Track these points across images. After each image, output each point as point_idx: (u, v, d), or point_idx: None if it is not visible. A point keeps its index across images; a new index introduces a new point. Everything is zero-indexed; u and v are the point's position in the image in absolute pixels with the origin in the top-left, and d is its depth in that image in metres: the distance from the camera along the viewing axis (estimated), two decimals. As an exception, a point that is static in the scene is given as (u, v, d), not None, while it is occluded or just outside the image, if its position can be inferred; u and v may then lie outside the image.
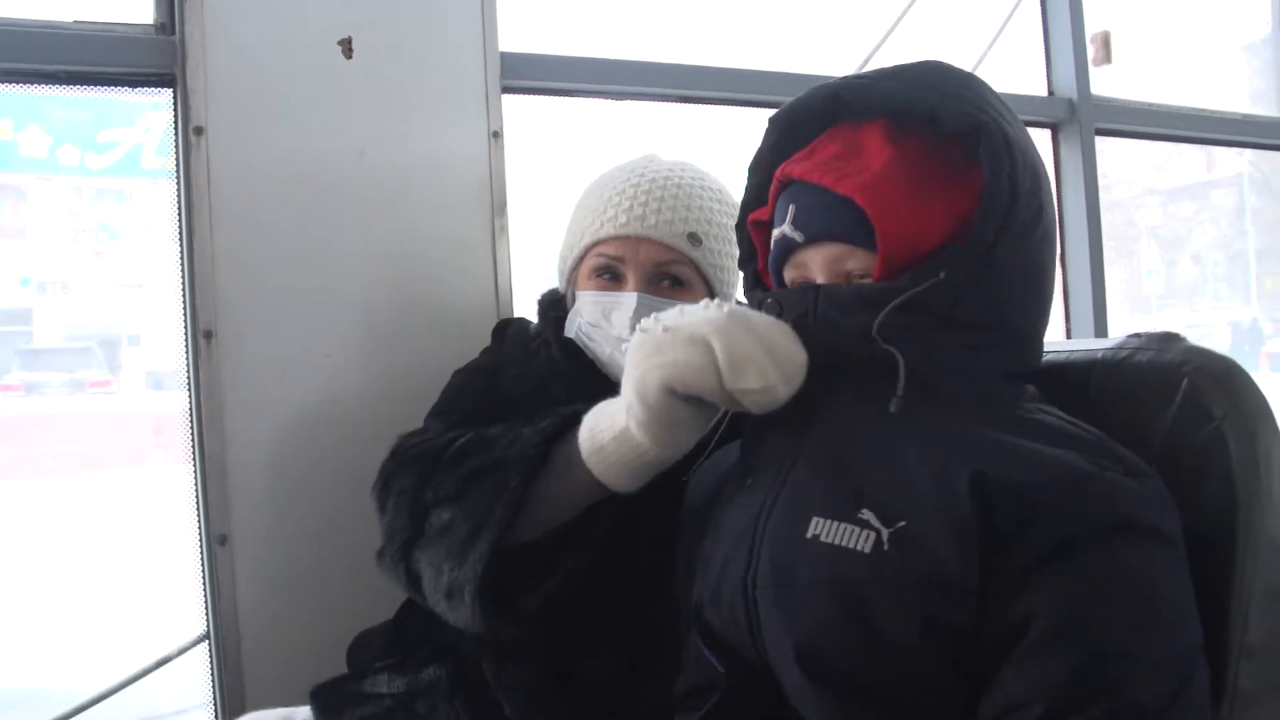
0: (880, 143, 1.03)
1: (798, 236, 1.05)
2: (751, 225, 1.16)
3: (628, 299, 1.37)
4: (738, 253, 1.47)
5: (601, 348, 1.40)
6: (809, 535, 0.96)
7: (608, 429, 1.13)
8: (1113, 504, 0.90)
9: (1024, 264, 1.02)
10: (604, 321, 1.38)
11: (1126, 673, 0.84)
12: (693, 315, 1.03)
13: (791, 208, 1.06)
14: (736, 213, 1.47)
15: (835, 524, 0.95)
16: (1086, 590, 0.87)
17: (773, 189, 1.11)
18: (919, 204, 1.00)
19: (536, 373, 1.45)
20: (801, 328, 1.02)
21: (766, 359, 0.99)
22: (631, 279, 1.39)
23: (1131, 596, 0.87)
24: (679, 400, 1.04)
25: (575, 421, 1.20)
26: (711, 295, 1.42)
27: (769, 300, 1.06)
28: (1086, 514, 0.89)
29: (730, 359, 0.99)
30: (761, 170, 1.14)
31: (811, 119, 1.10)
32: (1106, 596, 0.87)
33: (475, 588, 1.17)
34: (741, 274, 1.20)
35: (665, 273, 1.39)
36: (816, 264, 1.04)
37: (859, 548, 0.93)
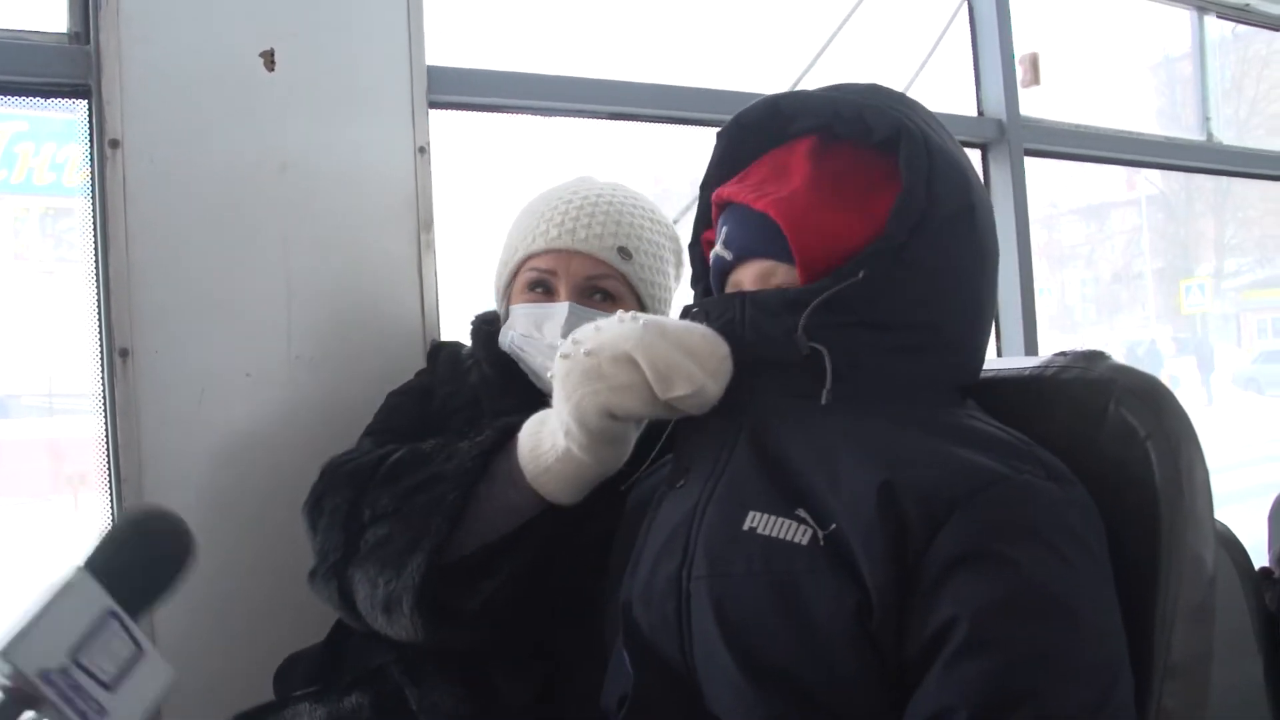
0: (802, 160, 1.07)
1: (727, 255, 1.10)
2: (705, 244, 1.19)
3: (560, 309, 1.40)
4: (673, 270, 1.49)
5: (534, 357, 1.42)
6: (745, 528, 0.97)
7: (550, 451, 1.16)
8: (1026, 506, 0.91)
9: (944, 267, 1.04)
10: (536, 332, 1.41)
11: (1046, 680, 0.85)
12: (610, 333, 1.05)
13: (724, 229, 1.10)
14: (670, 233, 1.49)
15: (772, 518, 0.97)
16: (1003, 595, 0.87)
17: (714, 211, 1.15)
18: (834, 212, 1.04)
19: (468, 390, 1.47)
20: (730, 334, 1.05)
21: (690, 362, 1.02)
22: (563, 291, 1.41)
23: (1049, 602, 0.87)
24: (617, 421, 1.08)
25: (511, 434, 1.22)
26: (643, 309, 1.44)
27: (695, 310, 1.10)
28: (998, 516, 0.90)
29: (656, 371, 1.02)
30: (710, 189, 1.18)
31: (754, 134, 1.14)
32: (1024, 601, 0.87)
33: (414, 597, 1.17)
34: (692, 292, 1.22)
35: (595, 286, 1.42)
36: (748, 281, 1.09)
37: (796, 540, 0.94)
